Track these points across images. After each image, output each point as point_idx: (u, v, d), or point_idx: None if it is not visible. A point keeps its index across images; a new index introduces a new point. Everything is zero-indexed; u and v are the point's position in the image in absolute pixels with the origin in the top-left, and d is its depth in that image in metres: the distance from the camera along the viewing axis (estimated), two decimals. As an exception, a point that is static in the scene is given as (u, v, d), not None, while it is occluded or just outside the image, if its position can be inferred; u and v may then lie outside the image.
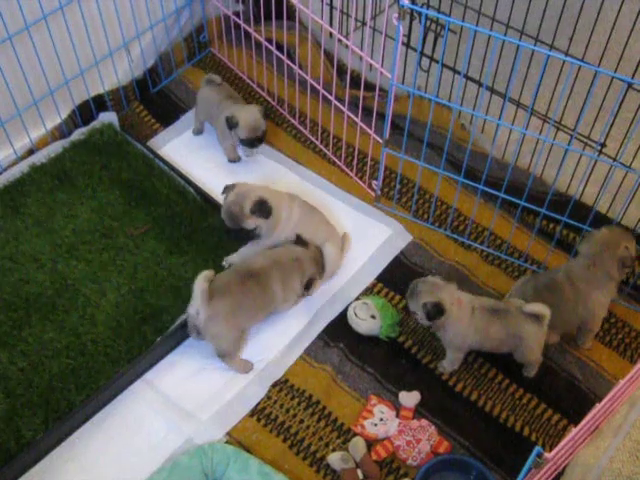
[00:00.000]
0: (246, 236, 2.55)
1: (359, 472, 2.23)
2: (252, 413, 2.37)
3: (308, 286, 2.53)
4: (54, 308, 2.50)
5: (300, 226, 2.60)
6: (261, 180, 2.87)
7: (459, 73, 2.91)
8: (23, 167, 2.88)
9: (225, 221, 2.52)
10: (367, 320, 2.50)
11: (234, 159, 3.01)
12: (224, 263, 2.62)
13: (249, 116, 2.85)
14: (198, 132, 3.13)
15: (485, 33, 2.27)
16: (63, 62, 2.85)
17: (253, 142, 2.90)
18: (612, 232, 2.39)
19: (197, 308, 2.32)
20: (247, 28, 3.15)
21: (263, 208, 2.48)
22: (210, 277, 2.35)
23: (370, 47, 3.15)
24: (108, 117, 3.06)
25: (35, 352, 2.40)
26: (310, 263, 2.53)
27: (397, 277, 2.68)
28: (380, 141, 2.69)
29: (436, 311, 2.26)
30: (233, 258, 2.62)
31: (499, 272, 2.71)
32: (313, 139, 3.11)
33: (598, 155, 2.62)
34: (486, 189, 2.58)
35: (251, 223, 2.50)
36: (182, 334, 2.49)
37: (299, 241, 2.57)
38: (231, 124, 2.83)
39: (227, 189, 2.54)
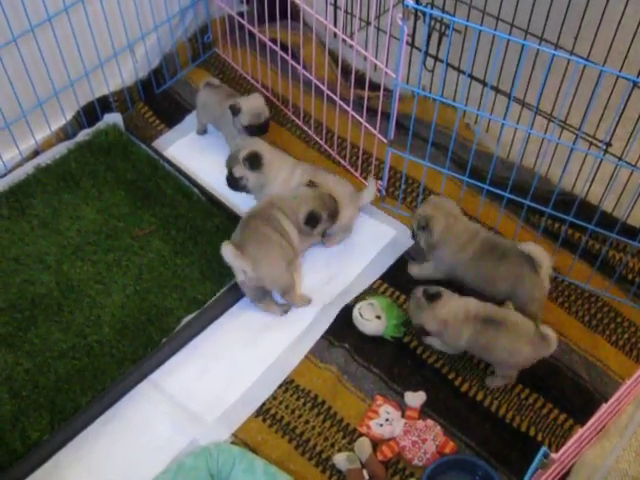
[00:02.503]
0: (235, 184, 2.71)
1: (365, 472, 2.23)
2: (257, 414, 2.37)
3: (309, 220, 2.54)
4: (59, 309, 2.50)
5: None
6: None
7: (464, 73, 2.91)
8: (28, 168, 2.88)
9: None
10: (372, 320, 2.50)
11: None
12: None
13: (252, 102, 2.86)
14: (202, 132, 3.13)
15: (490, 32, 2.27)
16: (68, 63, 2.85)
17: (256, 129, 2.88)
18: None
19: (242, 268, 2.41)
20: (251, 28, 3.15)
21: (252, 160, 2.64)
22: (230, 242, 2.42)
23: (374, 47, 3.15)
24: (113, 118, 3.06)
25: (40, 353, 2.40)
26: (312, 199, 2.56)
27: (402, 277, 2.67)
28: (385, 141, 2.69)
29: (435, 296, 2.29)
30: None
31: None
32: (317, 139, 3.11)
33: (603, 154, 2.62)
34: (491, 189, 2.58)
35: (238, 171, 2.66)
36: (188, 334, 2.49)
37: (309, 184, 2.62)
38: (234, 110, 2.83)
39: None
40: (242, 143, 2.72)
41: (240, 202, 2.85)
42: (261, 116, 2.87)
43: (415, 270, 2.57)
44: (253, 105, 2.85)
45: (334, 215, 2.61)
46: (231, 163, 2.69)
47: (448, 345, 2.41)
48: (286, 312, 2.59)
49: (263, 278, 2.47)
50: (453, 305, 2.32)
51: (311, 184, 2.62)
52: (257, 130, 2.88)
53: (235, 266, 2.43)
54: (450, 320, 2.30)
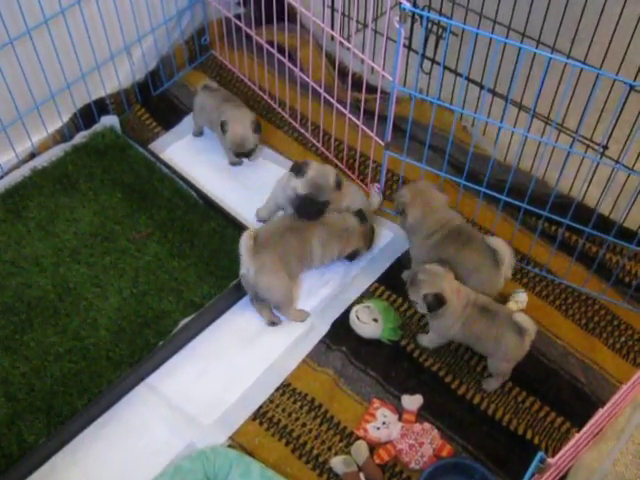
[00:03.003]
0: (322, 208, 2.59)
1: (362, 476, 2.22)
2: (254, 417, 2.36)
3: (352, 257, 2.67)
4: (56, 312, 2.50)
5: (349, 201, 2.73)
6: (262, 183, 2.87)
7: (461, 75, 2.91)
8: (25, 171, 2.88)
9: (309, 194, 2.54)
10: (369, 323, 2.50)
11: (236, 162, 3.01)
12: (255, 216, 2.81)
13: (237, 131, 2.84)
14: (198, 134, 3.13)
15: (487, 36, 2.27)
16: (64, 66, 2.85)
17: (240, 155, 2.92)
18: None
19: (247, 265, 2.44)
20: (248, 31, 3.14)
21: (339, 182, 2.61)
22: (253, 235, 2.45)
23: (371, 49, 3.15)
24: (109, 120, 3.06)
25: (37, 356, 2.40)
26: (359, 237, 2.65)
27: (399, 280, 2.67)
28: (382, 144, 2.69)
29: (437, 302, 2.27)
30: (262, 211, 2.80)
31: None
32: (314, 142, 3.11)
33: (600, 157, 2.62)
34: (488, 191, 2.58)
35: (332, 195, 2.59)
36: (185, 337, 2.49)
37: (359, 215, 2.66)
38: (223, 129, 2.84)
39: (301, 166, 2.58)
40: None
41: (237, 205, 2.85)
42: (243, 147, 2.86)
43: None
44: (237, 136, 2.84)
45: (369, 247, 2.73)
46: (322, 191, 2.55)
47: (440, 332, 2.41)
48: (273, 324, 2.57)
49: (259, 286, 2.48)
50: (462, 290, 2.35)
51: (360, 215, 2.66)
52: (241, 155, 2.91)
53: (243, 260, 2.46)
54: (455, 299, 2.30)
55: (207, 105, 2.98)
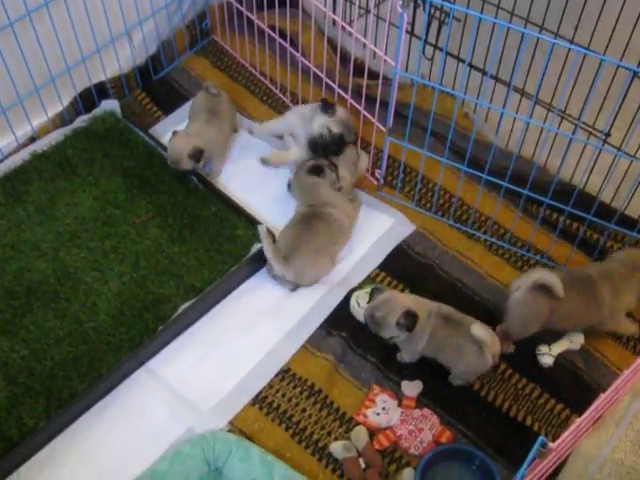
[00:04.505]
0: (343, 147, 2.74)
1: (361, 461, 2.23)
2: (254, 402, 2.37)
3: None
4: (56, 296, 2.49)
5: None
6: (262, 167, 2.87)
7: (463, 61, 2.90)
8: (24, 155, 2.87)
9: (342, 133, 2.70)
10: (369, 309, 2.50)
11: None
12: (261, 159, 2.89)
13: (174, 148, 2.73)
14: None
15: (490, 21, 2.26)
16: (64, 49, 2.83)
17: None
18: None
19: (281, 272, 2.51)
20: (249, 15, 3.13)
21: None
22: (270, 235, 2.50)
23: (374, 35, 3.12)
24: (110, 105, 3.04)
25: (37, 340, 2.39)
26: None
27: (400, 266, 2.67)
28: (383, 129, 2.68)
29: (411, 319, 2.22)
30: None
31: (503, 262, 2.70)
32: (316, 127, 3.09)
33: (602, 144, 2.61)
34: (490, 178, 2.57)
35: None
36: (185, 322, 2.49)
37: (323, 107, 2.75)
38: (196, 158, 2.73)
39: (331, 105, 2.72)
40: None
41: (237, 189, 2.85)
42: (178, 164, 2.74)
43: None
44: (172, 150, 2.74)
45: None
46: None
47: (411, 349, 2.36)
48: (295, 289, 2.61)
49: (303, 282, 2.60)
50: (419, 301, 2.31)
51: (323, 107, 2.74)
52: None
53: (276, 267, 2.52)
54: (420, 315, 2.26)
55: (195, 105, 2.96)
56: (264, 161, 2.89)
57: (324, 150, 2.70)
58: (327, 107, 2.70)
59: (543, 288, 2.29)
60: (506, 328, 2.41)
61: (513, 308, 2.37)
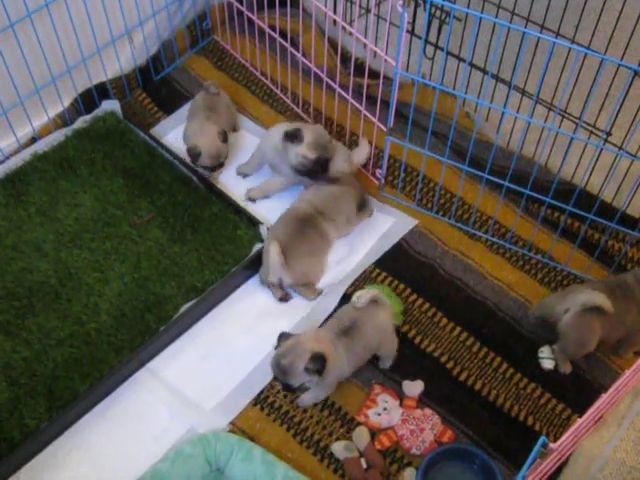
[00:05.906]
0: (326, 164, 2.67)
1: (363, 461, 2.23)
2: (255, 402, 2.37)
3: (363, 205, 2.74)
4: (57, 297, 2.49)
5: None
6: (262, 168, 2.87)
7: (464, 61, 2.90)
8: (25, 155, 2.87)
9: (320, 155, 2.65)
10: (370, 309, 2.49)
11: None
12: (247, 197, 2.84)
13: (208, 144, 2.77)
14: None
15: (490, 20, 2.25)
16: (65, 50, 2.83)
17: (214, 168, 2.85)
18: None
19: (278, 277, 2.51)
20: (250, 15, 3.13)
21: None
22: (280, 247, 2.48)
23: (374, 34, 3.13)
24: (111, 105, 3.04)
25: (38, 341, 2.39)
26: (352, 181, 2.74)
27: (401, 266, 2.67)
28: (384, 129, 2.68)
29: (320, 361, 2.13)
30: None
31: (504, 262, 2.70)
32: (317, 127, 3.09)
33: (603, 144, 2.61)
34: (491, 178, 2.57)
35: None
36: (186, 322, 2.49)
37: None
38: (193, 155, 2.76)
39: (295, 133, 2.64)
40: None
41: (238, 189, 2.85)
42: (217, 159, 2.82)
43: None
44: (211, 148, 2.78)
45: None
46: None
47: (334, 380, 2.32)
48: (285, 300, 2.59)
49: (299, 285, 2.58)
50: (320, 336, 2.26)
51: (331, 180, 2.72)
52: (215, 168, 2.85)
53: (274, 273, 2.50)
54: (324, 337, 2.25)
55: (194, 105, 2.96)
56: (250, 199, 2.84)
57: (310, 174, 2.68)
58: (292, 138, 2.62)
59: (593, 308, 2.29)
60: (563, 349, 2.41)
61: (567, 333, 2.36)
